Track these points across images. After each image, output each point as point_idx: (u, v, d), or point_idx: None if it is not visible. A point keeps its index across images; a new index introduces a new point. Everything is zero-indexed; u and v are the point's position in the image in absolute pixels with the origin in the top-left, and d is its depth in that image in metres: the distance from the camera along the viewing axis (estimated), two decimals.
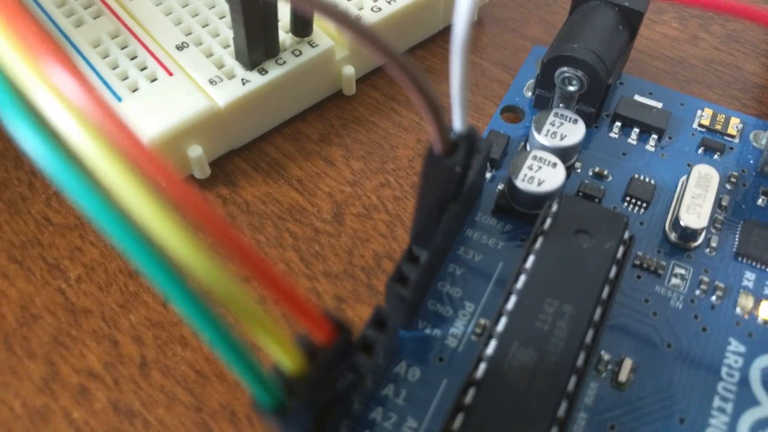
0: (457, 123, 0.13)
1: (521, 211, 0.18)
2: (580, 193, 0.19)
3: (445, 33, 0.24)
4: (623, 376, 0.16)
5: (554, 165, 0.17)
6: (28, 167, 0.20)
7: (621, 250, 0.16)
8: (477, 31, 0.24)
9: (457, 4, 0.11)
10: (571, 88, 0.19)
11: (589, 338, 0.14)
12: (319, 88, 0.21)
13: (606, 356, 0.16)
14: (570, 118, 0.19)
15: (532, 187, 0.17)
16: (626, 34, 0.20)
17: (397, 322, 0.15)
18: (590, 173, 0.19)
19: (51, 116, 0.09)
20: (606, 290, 0.15)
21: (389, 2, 0.21)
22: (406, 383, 0.16)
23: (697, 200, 0.18)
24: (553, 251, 0.15)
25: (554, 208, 0.16)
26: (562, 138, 0.18)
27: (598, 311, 0.15)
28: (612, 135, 0.20)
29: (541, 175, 0.17)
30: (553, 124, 0.18)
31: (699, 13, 0.25)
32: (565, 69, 0.19)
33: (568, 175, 0.19)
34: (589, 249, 0.15)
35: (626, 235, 0.16)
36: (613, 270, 0.15)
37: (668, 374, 0.16)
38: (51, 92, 0.09)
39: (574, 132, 0.18)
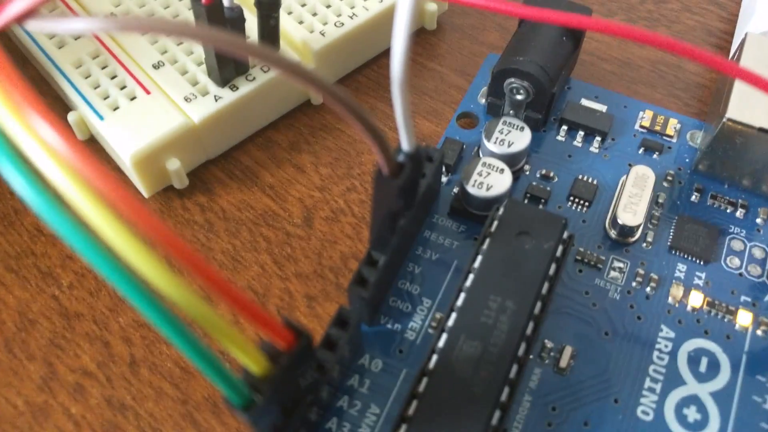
0: (404, 144, 0.15)
1: (474, 213, 0.19)
2: (528, 195, 0.20)
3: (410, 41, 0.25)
4: (564, 363, 0.17)
5: (501, 171, 0.19)
6: None
7: (560, 249, 0.18)
8: (436, 38, 0.25)
9: (393, 46, 0.13)
10: (519, 97, 0.21)
11: (529, 330, 0.16)
12: (288, 99, 0.22)
13: (549, 344, 0.18)
14: (517, 126, 0.20)
15: (482, 192, 0.19)
16: (570, 44, 0.21)
17: (359, 320, 0.17)
18: (538, 175, 0.21)
19: (34, 158, 0.11)
20: (546, 286, 0.17)
21: (351, 17, 0.22)
22: (370, 373, 0.17)
23: (633, 199, 0.19)
24: (498, 252, 0.17)
25: (500, 211, 0.18)
26: (509, 145, 0.20)
27: (538, 305, 0.17)
28: (559, 138, 0.22)
29: (490, 180, 0.19)
30: (501, 132, 0.20)
31: (646, 15, 0.27)
32: (513, 80, 0.20)
33: (518, 178, 0.21)
34: (530, 249, 0.17)
35: (565, 235, 0.18)
36: (553, 267, 0.17)
37: (605, 359, 0.18)
38: (34, 139, 0.11)
39: (520, 139, 0.20)
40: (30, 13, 0.12)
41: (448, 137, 0.21)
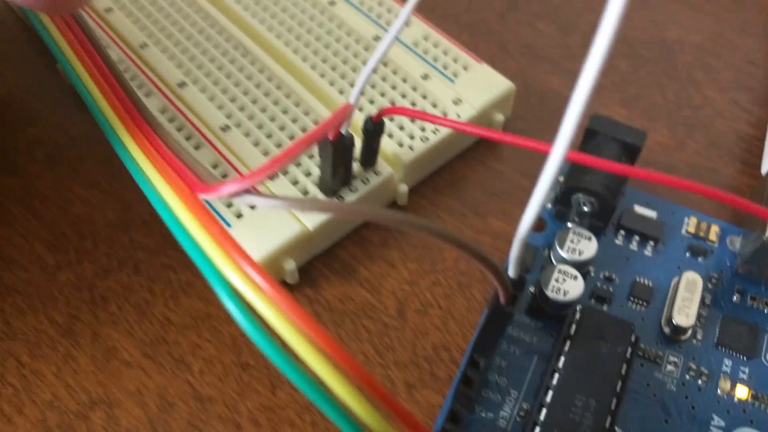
0: (512, 272, 0.18)
1: (551, 312, 0.23)
2: (594, 295, 0.24)
3: (478, 145, 0.28)
4: None
5: (575, 278, 0.22)
6: (146, 273, 0.25)
7: (629, 350, 0.21)
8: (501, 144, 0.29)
9: (526, 214, 0.16)
10: (585, 209, 0.24)
11: (608, 423, 0.19)
12: (380, 202, 0.26)
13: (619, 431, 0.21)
14: (585, 236, 0.23)
15: (560, 297, 0.22)
16: (628, 161, 0.25)
17: (467, 414, 0.20)
18: (601, 276, 0.24)
19: (245, 294, 0.15)
20: (620, 385, 0.20)
21: (434, 132, 0.26)
22: None
23: (686, 302, 0.23)
24: (578, 354, 0.20)
25: (577, 316, 0.21)
26: (579, 253, 0.23)
27: (614, 402, 0.20)
28: (617, 242, 0.25)
29: (566, 286, 0.22)
30: (572, 242, 0.23)
31: (683, 121, 0.30)
32: (580, 195, 0.24)
33: (585, 279, 0.24)
34: (606, 353, 0.20)
35: (633, 338, 0.21)
36: (624, 367, 0.20)
37: None
38: (245, 281, 0.14)
39: (588, 248, 0.23)
40: (242, 192, 0.16)
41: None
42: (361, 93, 0.21)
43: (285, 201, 0.15)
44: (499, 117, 0.28)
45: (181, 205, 0.15)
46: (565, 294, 0.22)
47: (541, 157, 0.29)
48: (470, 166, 0.28)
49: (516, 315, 0.23)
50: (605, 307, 0.23)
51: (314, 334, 0.14)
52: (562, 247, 0.23)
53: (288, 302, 0.14)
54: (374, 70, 0.20)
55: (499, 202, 0.27)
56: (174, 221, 0.15)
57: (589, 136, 0.25)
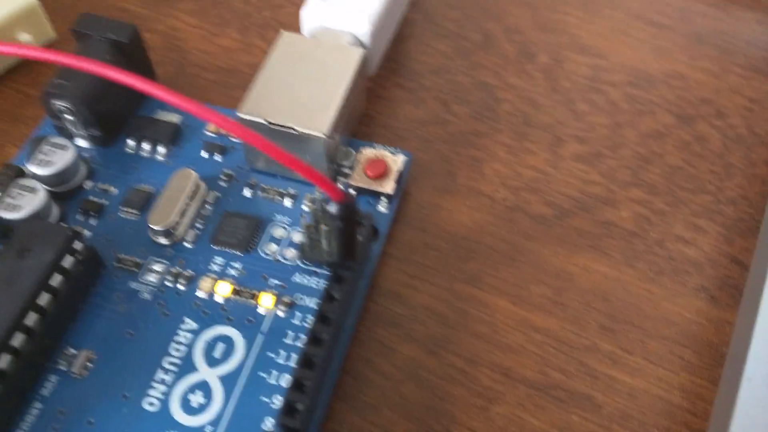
0: None
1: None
2: (81, 210, 0.21)
3: (12, 72, 0.26)
4: (76, 368, 0.18)
5: (34, 190, 0.20)
6: None
7: (72, 260, 0.18)
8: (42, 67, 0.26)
9: None
10: (70, 118, 0.21)
11: (22, 343, 0.17)
12: None
13: (72, 351, 0.19)
14: (61, 145, 0.21)
15: (12, 214, 0.19)
16: (122, 60, 0.22)
17: None
18: (97, 190, 0.22)
19: None
20: (48, 297, 0.18)
21: None
22: None
23: (169, 202, 0.20)
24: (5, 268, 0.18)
25: (16, 231, 0.18)
26: (52, 165, 0.21)
27: (38, 318, 0.17)
28: (128, 151, 0.22)
29: (22, 202, 0.20)
30: (44, 153, 0.21)
31: (259, 23, 0.28)
32: (58, 103, 0.21)
33: (77, 194, 0.21)
34: (31, 264, 0.18)
35: (80, 247, 0.19)
36: (60, 279, 0.18)
37: (125, 359, 0.18)
38: None
39: (63, 158, 0.21)
40: None
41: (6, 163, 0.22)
42: None
43: None
44: (26, 37, 0.25)
45: None
46: (19, 210, 0.20)
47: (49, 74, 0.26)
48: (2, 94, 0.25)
49: None
50: (94, 222, 0.21)
51: None
52: (30, 161, 0.21)
53: None
54: None
55: (18, 127, 0.24)
56: None
57: (79, 39, 0.22)
